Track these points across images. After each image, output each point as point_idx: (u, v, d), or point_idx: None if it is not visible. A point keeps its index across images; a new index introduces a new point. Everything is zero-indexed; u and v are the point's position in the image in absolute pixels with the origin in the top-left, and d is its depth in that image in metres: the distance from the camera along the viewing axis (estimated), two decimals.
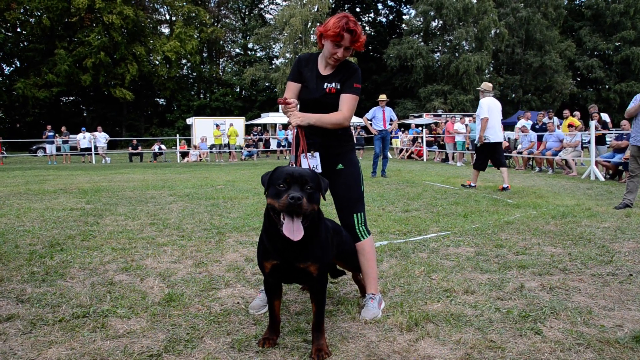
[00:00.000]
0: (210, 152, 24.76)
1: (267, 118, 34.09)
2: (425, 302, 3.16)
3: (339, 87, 2.99)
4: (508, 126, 24.58)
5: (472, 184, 9.67)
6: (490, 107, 9.27)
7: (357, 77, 3.01)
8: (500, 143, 9.45)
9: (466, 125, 18.61)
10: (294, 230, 2.21)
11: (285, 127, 27.50)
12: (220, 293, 3.40)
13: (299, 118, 2.84)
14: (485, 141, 9.22)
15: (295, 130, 2.89)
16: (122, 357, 2.41)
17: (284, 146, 26.10)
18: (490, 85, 9.69)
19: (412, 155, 22.51)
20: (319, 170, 2.94)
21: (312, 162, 2.93)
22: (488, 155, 9.45)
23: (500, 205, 7.16)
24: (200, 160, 23.48)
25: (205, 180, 12.16)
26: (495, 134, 9.27)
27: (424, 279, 3.67)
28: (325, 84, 2.99)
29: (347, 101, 2.97)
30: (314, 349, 2.41)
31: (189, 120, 32.27)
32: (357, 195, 3.09)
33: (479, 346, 2.50)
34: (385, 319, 2.89)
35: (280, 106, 2.94)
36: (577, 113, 14.99)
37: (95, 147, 23.26)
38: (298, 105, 2.97)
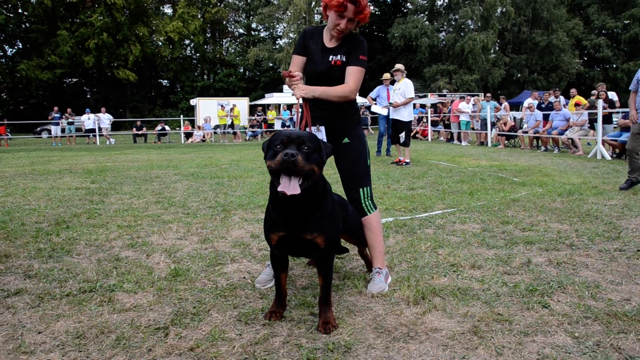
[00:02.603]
0: (215, 132, 24.68)
1: (271, 98, 33.90)
2: (432, 277, 3.15)
3: (344, 59, 2.94)
4: (513, 106, 24.40)
5: (407, 161, 10.08)
6: None
7: (362, 48, 2.96)
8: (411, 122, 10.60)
9: (473, 105, 18.47)
10: (289, 186, 2.17)
11: (289, 107, 27.33)
12: (226, 268, 3.41)
13: (304, 90, 2.80)
14: (401, 119, 10.21)
15: (300, 103, 2.85)
16: (129, 330, 2.42)
17: (288, 126, 26.01)
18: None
19: (417, 135, 22.39)
20: None
21: (317, 135, 2.90)
22: (399, 131, 10.34)
23: (506, 184, 7.12)
24: (204, 140, 23.43)
25: (210, 160, 12.15)
26: (410, 113, 10.43)
27: (430, 254, 3.67)
28: (331, 57, 2.94)
29: (353, 73, 2.92)
30: (321, 321, 2.41)
31: (192, 101, 32.07)
32: (363, 170, 3.07)
33: (486, 319, 2.49)
34: (392, 292, 2.89)
35: (285, 79, 2.90)
36: (574, 90, 14.94)
37: (100, 129, 23.23)
38: (303, 79, 2.92)
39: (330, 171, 2.53)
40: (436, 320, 2.50)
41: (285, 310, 2.62)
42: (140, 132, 24.67)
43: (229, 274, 3.28)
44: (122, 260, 3.59)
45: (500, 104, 17.63)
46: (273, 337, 2.34)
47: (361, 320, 2.53)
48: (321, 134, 2.90)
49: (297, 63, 3.01)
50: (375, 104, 12.25)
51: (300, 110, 2.85)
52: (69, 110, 24.39)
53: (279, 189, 2.18)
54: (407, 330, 2.39)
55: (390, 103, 10.99)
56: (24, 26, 42.17)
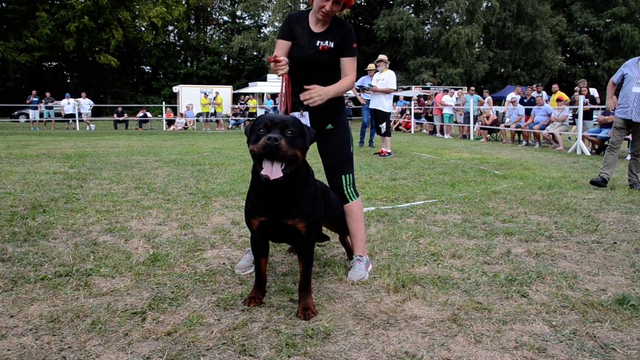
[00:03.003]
0: (197, 120, 24.45)
1: (255, 87, 33.66)
2: (413, 265, 3.16)
3: (332, 45, 2.92)
4: (496, 100, 24.60)
5: (389, 151, 10.19)
6: None
7: (353, 36, 2.97)
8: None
9: (456, 98, 18.56)
10: (272, 170, 2.15)
11: (273, 96, 27.21)
12: (206, 254, 3.38)
13: (320, 96, 2.74)
14: (382, 109, 10.26)
15: (282, 86, 2.81)
16: (105, 314, 2.38)
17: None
18: None
19: (400, 127, 22.45)
20: None
21: (301, 121, 2.87)
22: (380, 121, 10.36)
23: (488, 176, 7.18)
24: (187, 128, 23.20)
25: (192, 147, 12.04)
26: (391, 104, 10.58)
27: (411, 243, 3.68)
28: (318, 42, 2.91)
29: (351, 64, 2.98)
30: (301, 307, 2.40)
31: (175, 89, 31.70)
32: (346, 157, 3.05)
33: (465, 307, 2.50)
34: (372, 280, 2.88)
35: (270, 64, 2.86)
36: (555, 86, 15.08)
37: (80, 114, 22.80)
38: (288, 64, 2.88)
39: (312, 160, 2.49)
40: (416, 308, 2.50)
41: (265, 296, 2.60)
42: (121, 119, 24.33)
43: (209, 260, 3.25)
44: (99, 245, 3.54)
45: (484, 98, 17.76)
46: (252, 322, 2.32)
47: (341, 307, 2.52)
48: (305, 119, 2.88)
49: (282, 47, 2.96)
50: (360, 94, 12.25)
51: (283, 93, 2.82)
52: (47, 94, 23.87)
53: (262, 173, 2.15)
54: (386, 318, 2.39)
55: (370, 85, 10.95)
56: (0, 5, 41.07)
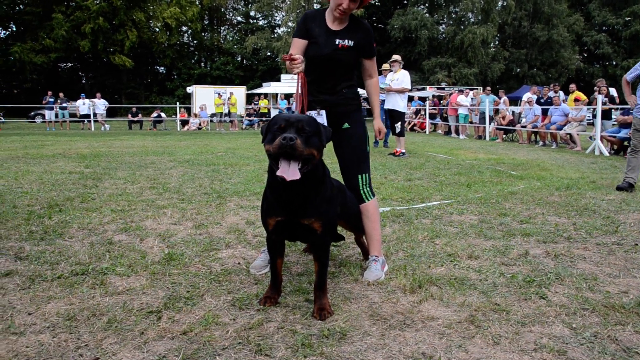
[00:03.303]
0: (211, 120, 24.58)
1: (269, 88, 33.75)
2: (429, 266, 3.14)
3: (351, 44, 2.92)
4: (512, 100, 24.38)
5: (403, 151, 10.15)
6: None
7: (372, 36, 3.02)
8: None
9: (472, 99, 18.43)
10: (289, 171, 2.14)
11: (287, 97, 27.24)
12: (221, 254, 3.39)
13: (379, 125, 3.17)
14: (398, 109, 10.34)
15: (298, 85, 2.81)
16: (121, 313, 2.39)
17: None
18: None
19: (415, 127, 22.35)
20: None
21: (318, 120, 2.86)
22: (395, 121, 10.44)
23: (504, 177, 7.11)
24: (200, 128, 23.33)
25: (206, 147, 12.10)
26: (405, 104, 10.72)
27: (427, 243, 3.66)
28: (337, 40, 2.90)
29: (375, 65, 3.12)
30: (316, 307, 2.39)
31: (189, 89, 31.89)
32: (362, 156, 3.05)
33: (483, 308, 2.48)
34: (388, 281, 2.87)
35: (285, 63, 2.85)
36: (573, 86, 14.91)
37: (95, 114, 23.05)
38: (304, 62, 2.87)
39: (327, 161, 2.48)
40: (432, 309, 2.49)
41: (280, 296, 2.60)
42: (135, 119, 24.55)
43: (224, 260, 3.26)
44: (115, 244, 3.56)
45: (500, 98, 17.61)
46: (267, 322, 2.32)
47: (357, 307, 2.51)
48: (322, 117, 2.88)
49: (297, 46, 2.95)
50: None
51: (299, 92, 2.82)
52: (60, 95, 24.09)
53: (278, 173, 2.15)
54: (403, 318, 2.38)
55: (383, 86, 10.93)
56: (17, 8, 41.67)
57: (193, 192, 5.69)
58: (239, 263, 3.20)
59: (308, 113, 2.84)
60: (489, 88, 19.01)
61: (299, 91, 2.82)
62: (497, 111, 16.96)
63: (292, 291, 2.72)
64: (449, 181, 6.66)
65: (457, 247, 3.56)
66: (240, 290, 2.73)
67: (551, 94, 15.06)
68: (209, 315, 2.37)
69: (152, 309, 2.44)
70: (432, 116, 21.78)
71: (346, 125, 3.01)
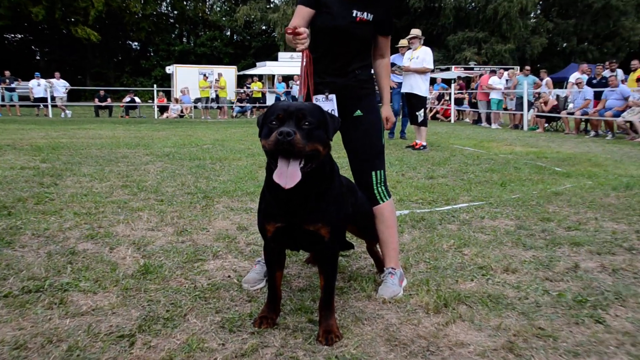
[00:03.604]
0: (195, 107, 24.64)
1: (264, 68, 33.81)
2: (456, 281, 3.13)
3: (370, 18, 2.93)
4: (557, 82, 24.30)
5: (424, 144, 10.11)
6: None
7: (391, 9, 3.07)
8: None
9: (507, 80, 18.39)
10: (287, 174, 2.13)
11: (286, 79, 27.28)
12: (208, 265, 3.39)
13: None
14: (418, 93, 10.31)
15: (302, 64, 2.79)
16: (85, 338, 2.37)
17: (283, 100, 25.87)
18: None
19: (437, 115, 22.36)
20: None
21: (326, 105, 2.86)
22: (416, 108, 10.45)
23: (546, 174, 7.11)
24: (183, 116, 23.39)
25: (189, 138, 12.14)
26: (427, 87, 10.71)
27: (454, 254, 3.65)
28: (355, 11, 2.89)
29: (389, 44, 3.11)
30: (322, 330, 2.39)
31: (168, 69, 32.01)
32: (377, 149, 3.04)
33: (524, 333, 2.46)
34: (407, 298, 2.86)
35: (287, 37, 2.82)
36: (635, 62, 14.62)
37: (53, 98, 22.94)
38: (309, 37, 2.83)
39: (335, 155, 2.47)
40: (462, 333, 2.47)
41: (279, 316, 2.60)
42: (104, 104, 24.60)
43: (211, 272, 3.26)
44: (78, 254, 3.56)
45: (541, 79, 17.57)
46: (263, 348, 2.32)
47: (370, 329, 2.50)
48: (331, 103, 2.87)
49: (302, 16, 2.92)
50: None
51: (303, 73, 2.80)
52: (6, 73, 23.89)
53: (275, 178, 2.14)
54: (426, 344, 2.36)
55: (399, 67, 10.92)
56: None
57: (174, 191, 5.70)
58: (229, 276, 3.20)
59: (315, 98, 2.83)
60: (528, 67, 18.97)
61: (304, 72, 2.80)
62: (537, 95, 16.93)
63: (292, 310, 2.71)
64: (479, 179, 6.67)
65: (490, 258, 3.55)
66: (230, 309, 2.72)
67: (606, 73, 14.96)
68: (192, 339, 2.36)
69: (123, 333, 2.43)
70: (459, 102, 21.77)
71: (358, 112, 3.00)
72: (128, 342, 2.35)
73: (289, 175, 2.12)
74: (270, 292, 2.57)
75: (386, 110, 3.20)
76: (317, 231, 2.36)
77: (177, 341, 2.36)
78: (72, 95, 28.33)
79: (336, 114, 2.89)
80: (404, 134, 12.64)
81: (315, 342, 2.36)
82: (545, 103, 16.11)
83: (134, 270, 3.24)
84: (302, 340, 2.38)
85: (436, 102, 23.02)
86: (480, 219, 4.67)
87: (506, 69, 22.42)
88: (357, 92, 3.00)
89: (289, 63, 30.77)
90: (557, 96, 17.27)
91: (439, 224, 4.47)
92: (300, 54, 2.78)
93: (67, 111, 23.13)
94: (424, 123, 10.23)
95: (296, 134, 2.09)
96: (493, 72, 20.50)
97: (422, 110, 10.31)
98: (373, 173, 3.04)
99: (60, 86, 23.22)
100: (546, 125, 16.14)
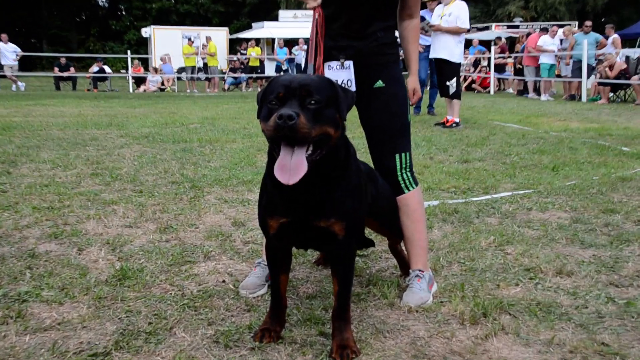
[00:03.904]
0: (179, 78, 24.66)
1: (261, 30, 33.74)
2: (498, 285, 3.15)
3: None
4: (627, 40, 23.97)
5: (457, 120, 10.16)
6: None
7: None
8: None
9: (561, 40, 18.23)
10: (290, 167, 2.11)
11: (288, 43, 27.23)
12: (197, 268, 3.42)
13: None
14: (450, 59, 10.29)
15: (313, 25, 2.80)
16: (49, 358, 2.37)
17: (285, 70, 25.91)
18: None
19: (474, 85, 22.28)
20: (352, 87, 2.88)
21: (341, 74, 2.86)
22: (447, 77, 10.45)
23: (611, 155, 7.10)
24: (164, 89, 23.43)
25: (172, 116, 12.19)
26: (462, 52, 10.79)
27: (495, 253, 3.67)
28: None
29: (419, 1, 3.13)
30: (336, 345, 2.41)
31: (145, 32, 32.03)
32: (401, 128, 3.04)
33: (583, 350, 2.46)
34: (437, 306, 2.88)
35: None
36: None
37: (0, 66, 22.92)
38: None
39: (349, 135, 2.46)
40: (505, 348, 2.49)
41: (284, 328, 2.62)
42: (65, 75, 24.62)
43: (202, 277, 3.29)
44: (40, 257, 3.58)
45: (606, 37, 17.38)
46: None
47: (393, 344, 2.52)
48: (348, 72, 2.88)
49: None
50: None
51: (314, 35, 2.81)
52: None
53: (275, 171, 2.14)
54: None
55: (429, 24, 10.84)
56: None
57: (155, 180, 5.75)
58: (223, 281, 3.22)
59: (327, 65, 2.83)
60: (589, 23, 18.54)
61: (315, 34, 2.81)
62: (601, 58, 16.77)
63: (300, 321, 2.74)
64: (525, 163, 6.68)
65: (540, 258, 3.56)
66: (226, 320, 2.75)
67: None
68: (180, 357, 2.39)
69: (96, 351, 2.45)
70: (500, 68, 21.65)
71: (379, 83, 2.99)
72: None
73: (292, 167, 2.11)
74: (273, 299, 2.60)
75: (413, 81, 3.20)
76: (329, 227, 2.36)
77: (162, 359, 2.40)
78: (25, 64, 28.22)
79: (353, 84, 2.89)
80: (433, 108, 12.62)
81: (329, 359, 2.39)
82: (611, 67, 15.93)
83: (109, 276, 3.27)
84: (312, 357, 2.41)
85: (472, 70, 22.93)
86: (526, 210, 4.68)
87: (561, 26, 22.13)
88: (378, 59, 2.99)
89: (292, 24, 30.74)
90: (627, 58, 17.07)
91: (476, 217, 4.49)
92: (309, 12, 2.78)
93: (20, 83, 23.03)
94: (456, 95, 10.19)
95: (300, 117, 2.05)
96: (544, 31, 20.17)
97: (455, 79, 10.23)
98: (397, 156, 3.04)
99: (9, 52, 22.95)
100: (611, 94, 16.03)
